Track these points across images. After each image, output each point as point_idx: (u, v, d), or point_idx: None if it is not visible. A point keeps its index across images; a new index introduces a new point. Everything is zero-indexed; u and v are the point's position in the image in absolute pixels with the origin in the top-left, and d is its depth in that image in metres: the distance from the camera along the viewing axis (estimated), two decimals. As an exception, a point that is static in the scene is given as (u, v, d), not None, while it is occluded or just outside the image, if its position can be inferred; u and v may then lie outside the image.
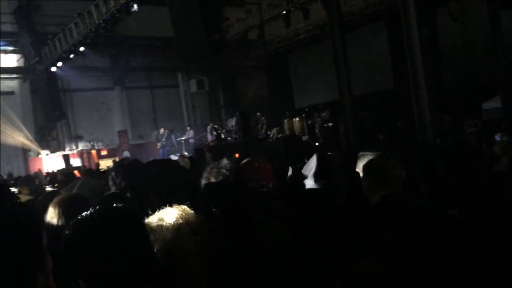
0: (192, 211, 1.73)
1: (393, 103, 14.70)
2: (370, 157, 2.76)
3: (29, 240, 1.18)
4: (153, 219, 1.66)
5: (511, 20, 12.45)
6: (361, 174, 2.71)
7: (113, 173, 2.93)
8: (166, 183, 2.63)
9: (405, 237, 2.07)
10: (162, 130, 19.27)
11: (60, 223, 2.16)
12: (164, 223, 1.64)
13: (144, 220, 1.57)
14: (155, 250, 1.50)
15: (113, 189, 2.86)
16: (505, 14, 12.42)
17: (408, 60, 7.36)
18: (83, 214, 1.35)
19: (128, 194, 2.68)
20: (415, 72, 7.20)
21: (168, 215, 1.68)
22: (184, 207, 1.73)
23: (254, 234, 1.97)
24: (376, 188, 2.54)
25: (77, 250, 1.28)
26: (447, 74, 14.71)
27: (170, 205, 1.73)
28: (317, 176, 2.38)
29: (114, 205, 1.41)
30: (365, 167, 2.69)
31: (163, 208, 1.72)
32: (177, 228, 1.64)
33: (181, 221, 1.66)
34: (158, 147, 19.09)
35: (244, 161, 2.66)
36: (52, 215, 2.23)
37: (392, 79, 15.71)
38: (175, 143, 19.74)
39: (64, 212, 2.20)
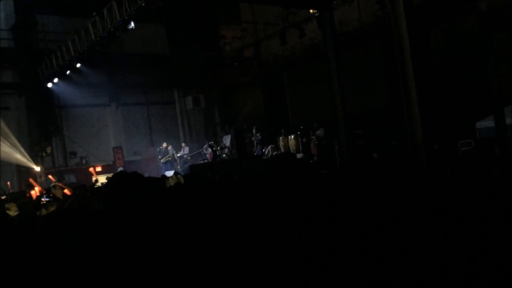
0: None
1: (388, 121, 14.73)
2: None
3: None
4: None
5: (503, 39, 12.57)
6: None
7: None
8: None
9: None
10: (165, 145, 18.90)
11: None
12: None
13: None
14: None
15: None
16: (498, 33, 12.55)
17: (400, 80, 7.40)
18: None
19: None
20: (408, 91, 7.23)
21: None
22: None
23: None
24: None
25: None
26: (440, 93, 14.79)
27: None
28: None
29: None
30: None
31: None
32: None
33: None
34: (161, 162, 18.66)
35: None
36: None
37: (386, 98, 15.76)
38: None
39: None
